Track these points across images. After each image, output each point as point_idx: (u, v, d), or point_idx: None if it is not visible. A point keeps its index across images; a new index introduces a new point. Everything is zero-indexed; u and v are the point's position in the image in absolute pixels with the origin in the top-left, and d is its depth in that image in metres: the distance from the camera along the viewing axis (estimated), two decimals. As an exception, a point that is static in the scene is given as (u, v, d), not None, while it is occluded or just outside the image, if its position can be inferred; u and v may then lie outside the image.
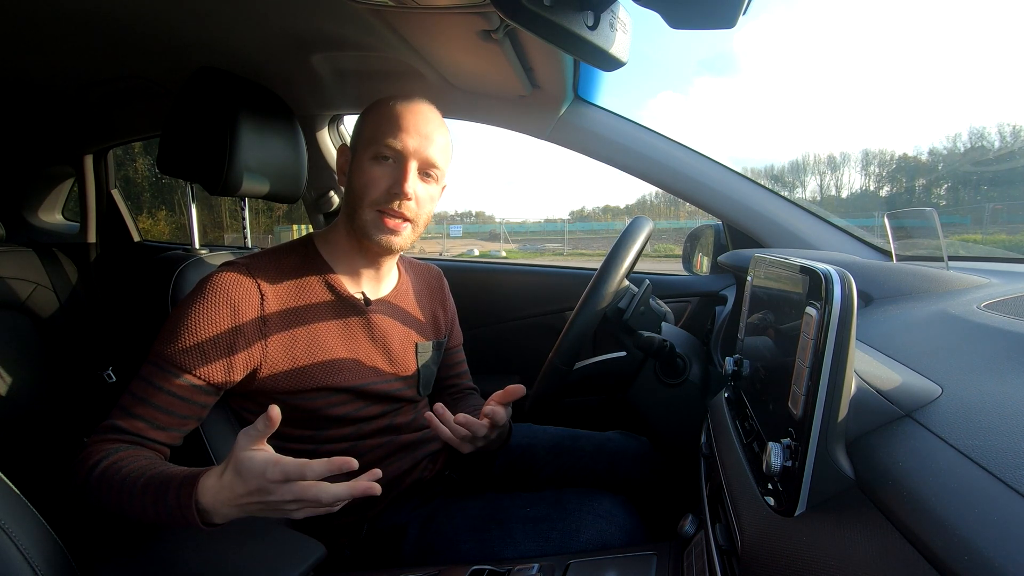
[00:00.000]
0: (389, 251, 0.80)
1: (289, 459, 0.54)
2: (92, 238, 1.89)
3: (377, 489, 0.55)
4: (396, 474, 0.86)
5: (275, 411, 0.54)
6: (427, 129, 0.77)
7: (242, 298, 0.73)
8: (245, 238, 1.16)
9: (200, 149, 0.91)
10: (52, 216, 2.09)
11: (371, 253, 0.82)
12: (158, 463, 0.64)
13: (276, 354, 0.75)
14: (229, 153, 0.89)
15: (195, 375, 0.70)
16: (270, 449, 0.56)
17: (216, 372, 0.71)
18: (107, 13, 0.89)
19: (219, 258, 0.94)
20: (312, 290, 0.80)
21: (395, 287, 0.90)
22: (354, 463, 0.55)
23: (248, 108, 0.92)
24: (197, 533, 0.60)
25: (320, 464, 0.54)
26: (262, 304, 0.74)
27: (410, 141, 0.75)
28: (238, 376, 0.73)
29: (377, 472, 0.58)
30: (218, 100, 0.91)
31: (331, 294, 0.81)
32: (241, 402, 0.79)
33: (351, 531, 0.83)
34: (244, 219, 1.14)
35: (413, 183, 0.76)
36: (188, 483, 0.57)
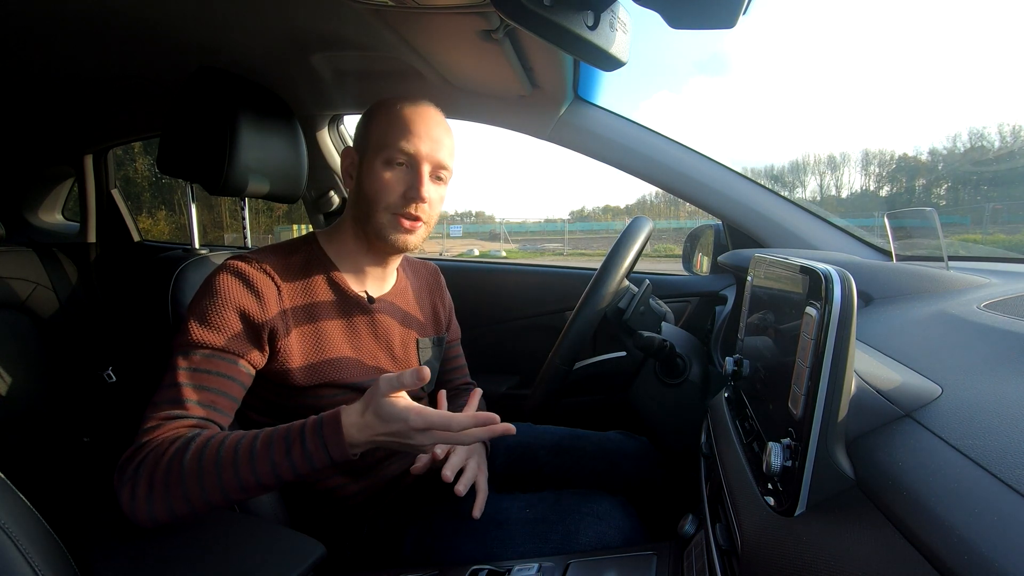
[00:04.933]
0: (403, 250, 0.82)
1: (429, 410, 0.60)
2: (92, 238, 1.89)
3: (513, 430, 0.62)
4: (396, 474, 0.87)
5: (425, 371, 0.60)
6: (437, 132, 0.78)
7: (264, 287, 0.74)
8: (245, 238, 1.16)
9: (200, 149, 0.91)
10: (52, 216, 2.09)
11: (381, 253, 0.83)
12: (246, 432, 0.64)
13: (291, 345, 0.75)
14: (229, 153, 0.89)
15: (240, 355, 0.70)
16: (407, 397, 0.62)
17: (253, 353, 0.72)
18: (107, 13, 0.89)
19: (219, 258, 0.94)
20: (318, 288, 0.80)
21: (395, 285, 0.91)
22: (496, 417, 0.62)
23: (248, 108, 0.92)
24: (197, 533, 0.60)
25: (466, 418, 0.60)
26: (279, 297, 0.75)
27: (423, 145, 0.77)
28: (264, 359, 0.74)
29: (511, 428, 0.62)
30: (218, 100, 0.91)
31: (336, 293, 0.81)
32: (245, 398, 0.79)
33: (351, 531, 0.83)
34: (244, 219, 1.14)
35: (428, 187, 0.78)
36: (330, 424, 0.61)
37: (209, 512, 0.62)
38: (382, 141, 0.77)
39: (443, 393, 0.82)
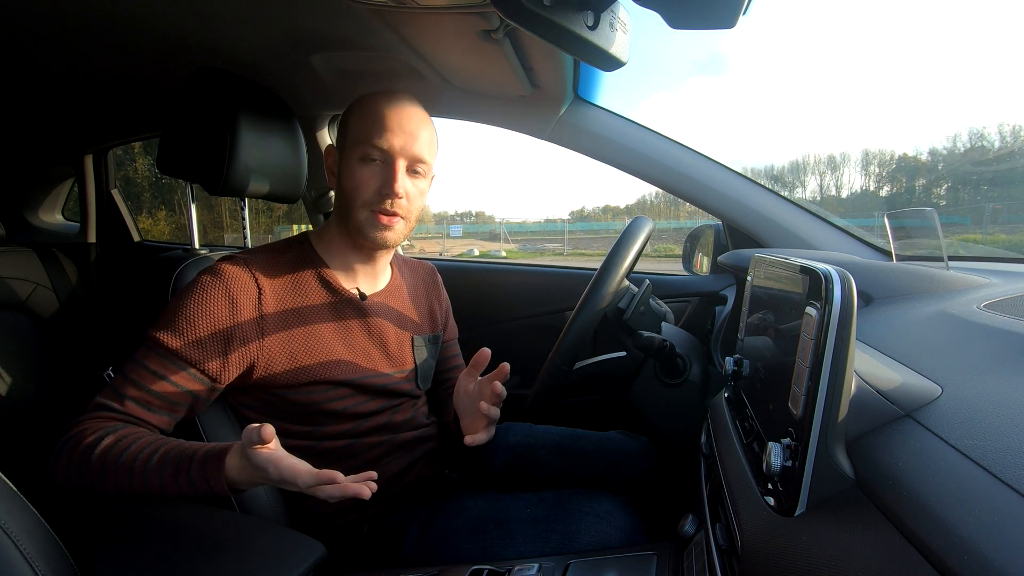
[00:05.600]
0: (384, 246, 0.81)
1: (285, 464, 0.58)
2: (92, 238, 1.89)
3: (366, 494, 0.59)
4: (395, 472, 0.87)
5: (268, 431, 0.57)
6: (411, 126, 0.78)
7: (240, 292, 0.74)
8: (245, 238, 1.16)
9: (200, 149, 0.91)
10: (52, 216, 2.09)
11: (366, 249, 0.83)
12: (163, 439, 0.67)
13: (273, 350, 0.75)
14: (229, 153, 0.89)
15: (192, 364, 0.71)
16: (274, 446, 0.60)
17: (212, 364, 0.72)
18: (107, 13, 0.89)
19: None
20: (308, 287, 0.80)
21: (389, 284, 0.91)
22: (339, 476, 0.59)
23: (248, 108, 0.92)
24: (197, 533, 0.61)
25: (307, 477, 0.58)
26: (260, 300, 0.75)
27: (396, 140, 0.76)
28: (233, 370, 0.74)
29: (372, 474, 0.61)
30: (218, 100, 0.91)
31: (327, 291, 0.81)
32: (239, 397, 0.79)
33: (351, 531, 0.83)
34: (244, 219, 1.14)
35: (402, 182, 0.77)
36: (213, 460, 0.62)
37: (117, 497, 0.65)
38: (357, 138, 0.77)
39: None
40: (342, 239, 0.83)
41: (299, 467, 0.59)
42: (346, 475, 0.82)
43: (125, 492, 0.63)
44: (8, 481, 0.51)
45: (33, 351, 1.29)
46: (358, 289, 0.85)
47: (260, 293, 0.75)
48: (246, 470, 0.61)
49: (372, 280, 0.88)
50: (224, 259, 0.77)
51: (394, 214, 0.78)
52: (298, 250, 0.83)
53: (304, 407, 0.78)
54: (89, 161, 1.83)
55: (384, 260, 0.89)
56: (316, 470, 0.59)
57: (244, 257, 0.77)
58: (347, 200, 0.79)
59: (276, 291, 0.77)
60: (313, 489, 0.59)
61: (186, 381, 0.71)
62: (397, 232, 0.80)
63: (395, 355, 0.88)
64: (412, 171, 0.80)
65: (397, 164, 0.77)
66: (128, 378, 0.70)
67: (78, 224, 1.96)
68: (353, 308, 0.83)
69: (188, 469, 0.62)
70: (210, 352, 0.71)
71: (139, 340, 0.73)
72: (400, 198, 0.77)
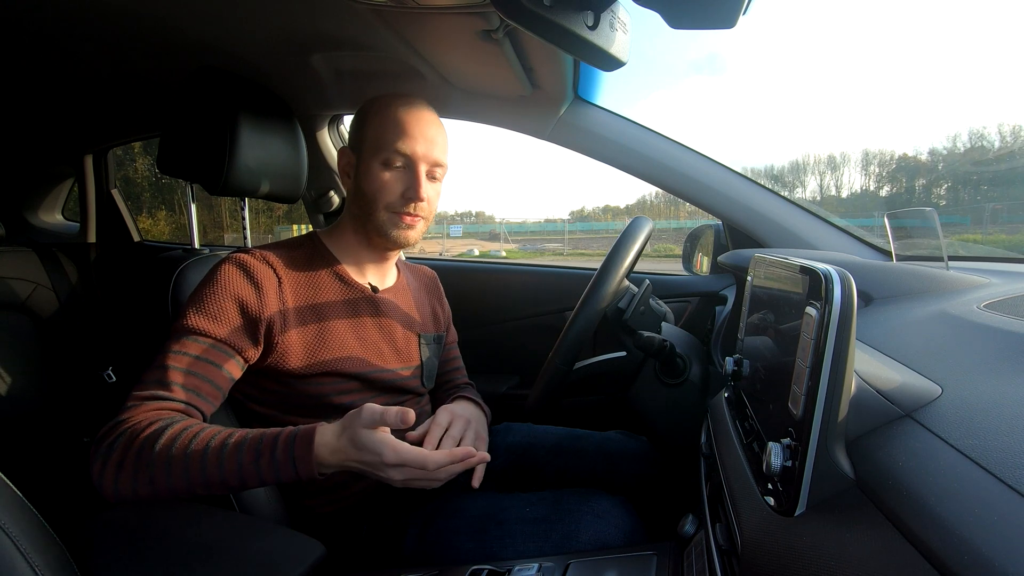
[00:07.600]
0: (404, 245, 0.84)
1: (407, 449, 0.59)
2: (92, 238, 1.89)
3: (487, 458, 0.65)
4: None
5: (410, 415, 0.59)
6: (431, 132, 0.81)
7: (264, 279, 0.76)
8: (245, 238, 1.16)
9: (200, 149, 0.91)
10: (52, 216, 2.09)
11: (380, 248, 0.86)
12: (230, 428, 0.65)
13: (289, 339, 0.77)
14: (229, 153, 0.89)
15: (231, 346, 0.72)
16: (387, 431, 0.61)
17: (246, 346, 0.73)
18: (107, 12, 0.89)
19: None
20: (323, 280, 0.83)
21: (396, 282, 0.94)
22: (473, 450, 0.62)
23: (248, 108, 0.92)
24: (197, 533, 0.60)
25: (442, 456, 0.59)
26: (280, 289, 0.77)
27: (418, 147, 0.79)
28: (259, 354, 0.75)
29: (486, 456, 0.64)
30: (218, 100, 0.91)
31: (341, 284, 0.84)
32: (245, 389, 0.80)
33: (351, 531, 0.83)
34: (244, 219, 1.14)
35: (426, 187, 0.81)
36: (302, 440, 0.61)
37: (172, 498, 0.61)
38: (378, 142, 0.79)
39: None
40: (356, 237, 0.86)
41: (423, 451, 0.59)
42: (348, 474, 0.82)
43: (192, 486, 0.60)
44: (8, 481, 0.51)
45: (33, 351, 1.29)
46: (370, 284, 0.87)
47: (280, 283, 0.77)
48: (341, 452, 0.60)
49: (381, 277, 0.91)
50: (240, 251, 0.78)
51: (416, 215, 0.81)
52: (309, 247, 0.85)
53: (313, 399, 0.79)
54: (89, 161, 1.83)
55: (393, 259, 0.92)
56: (449, 450, 0.60)
57: (259, 251, 0.79)
58: (368, 202, 0.81)
59: (293, 282, 0.79)
60: (435, 473, 0.60)
61: (228, 364, 0.72)
62: (417, 231, 0.84)
63: (403, 351, 0.89)
64: (431, 175, 0.83)
65: (420, 169, 0.80)
66: (170, 367, 0.68)
67: (78, 224, 1.96)
68: (365, 301, 0.85)
69: (272, 451, 0.60)
70: (243, 335, 0.73)
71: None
72: (423, 201, 0.81)
